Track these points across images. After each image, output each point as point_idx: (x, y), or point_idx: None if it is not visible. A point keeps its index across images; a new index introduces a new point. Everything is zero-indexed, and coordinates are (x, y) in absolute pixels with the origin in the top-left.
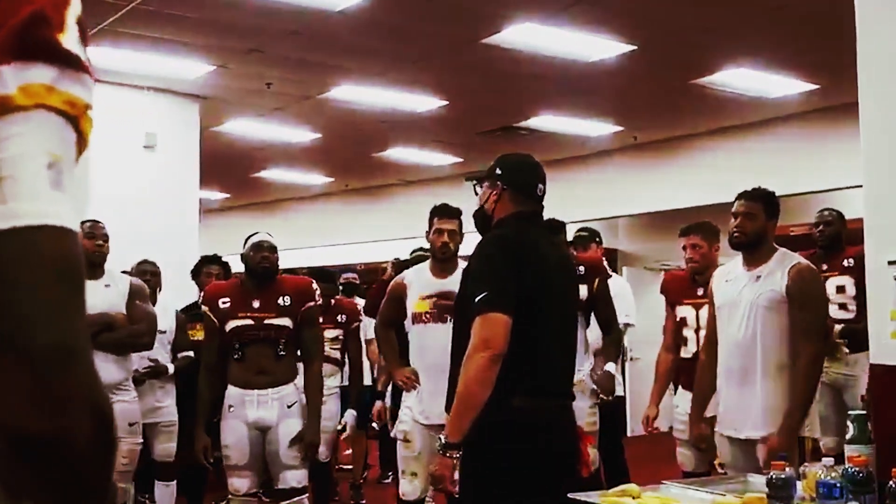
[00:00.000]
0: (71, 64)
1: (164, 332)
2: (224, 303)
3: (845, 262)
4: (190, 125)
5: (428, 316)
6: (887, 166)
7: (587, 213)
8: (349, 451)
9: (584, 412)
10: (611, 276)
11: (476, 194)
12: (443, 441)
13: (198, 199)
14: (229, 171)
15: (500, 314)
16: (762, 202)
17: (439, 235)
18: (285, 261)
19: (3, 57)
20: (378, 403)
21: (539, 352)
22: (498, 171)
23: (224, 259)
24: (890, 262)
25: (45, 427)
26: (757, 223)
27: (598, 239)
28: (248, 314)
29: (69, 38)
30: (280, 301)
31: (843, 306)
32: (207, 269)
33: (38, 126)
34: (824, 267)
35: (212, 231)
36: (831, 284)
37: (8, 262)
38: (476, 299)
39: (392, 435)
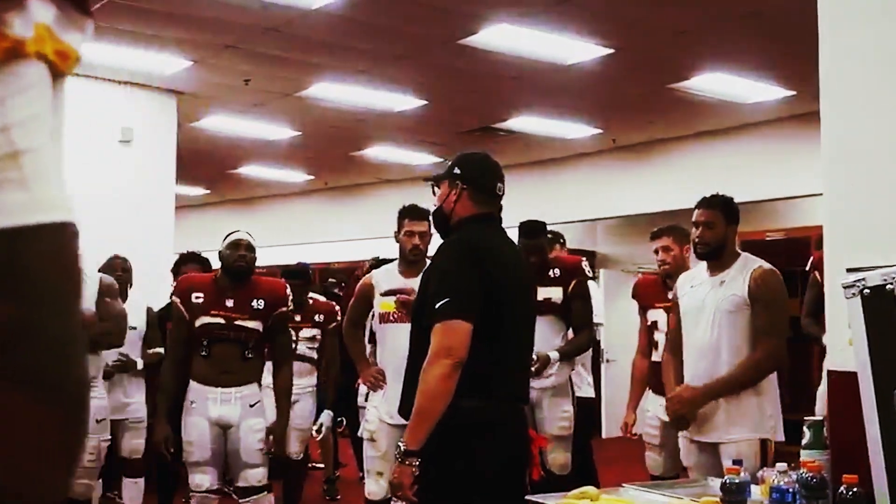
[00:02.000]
0: (75, 2)
1: (135, 328)
2: (197, 297)
3: None
4: (167, 120)
5: (394, 315)
6: (846, 173)
7: (566, 214)
8: (320, 451)
9: (557, 415)
10: (590, 277)
11: (434, 194)
12: (401, 448)
13: (173, 195)
14: (207, 167)
15: (461, 321)
16: (721, 209)
17: (410, 237)
18: (263, 258)
19: None
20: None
21: (492, 354)
22: (457, 171)
23: (204, 256)
24: (848, 270)
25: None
26: (717, 231)
27: (561, 241)
28: (220, 312)
29: None
30: (253, 304)
31: None
32: (187, 266)
33: (40, 82)
34: None
35: (189, 227)
36: None
37: (36, 270)
38: (437, 305)
39: (359, 434)
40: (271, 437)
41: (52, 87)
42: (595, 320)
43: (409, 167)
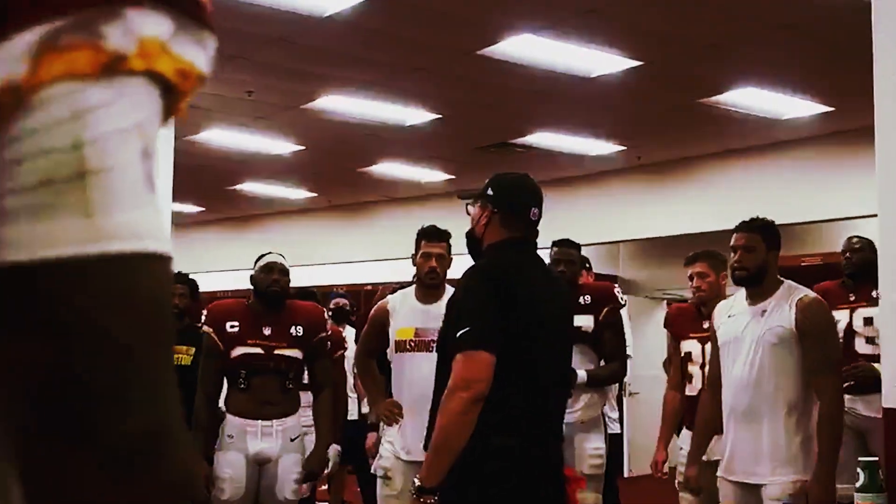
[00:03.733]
0: (194, 14)
1: None
2: (232, 326)
3: (874, 293)
4: (163, 133)
5: (412, 344)
6: None
7: (586, 236)
8: (325, 487)
9: (588, 452)
10: (623, 304)
11: (468, 213)
12: (417, 484)
13: (170, 213)
14: (205, 184)
15: (483, 352)
16: (761, 233)
17: (426, 260)
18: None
19: None
20: (372, 435)
21: (524, 389)
22: (490, 192)
23: (191, 277)
24: None
25: None
26: (758, 256)
27: (587, 265)
28: (258, 342)
29: None
30: (292, 331)
31: (870, 340)
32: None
33: (138, 97)
34: (851, 297)
35: (186, 246)
36: (859, 316)
37: (87, 309)
38: (458, 334)
39: (372, 471)
40: (305, 484)
41: (163, 106)
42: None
43: (420, 185)
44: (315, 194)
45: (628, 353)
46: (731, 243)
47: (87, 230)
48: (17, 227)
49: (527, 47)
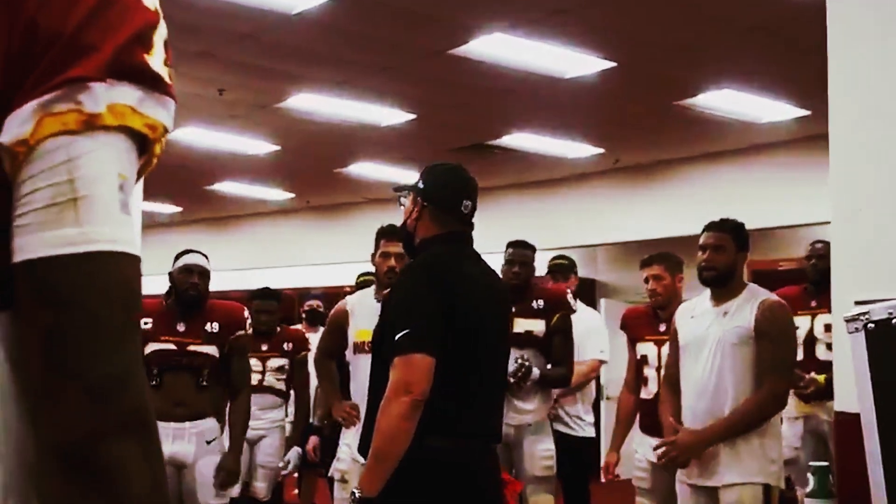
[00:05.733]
0: (156, 86)
1: None
2: (145, 323)
3: None
4: None
5: (369, 345)
6: (856, 201)
7: (564, 240)
8: (296, 491)
9: (539, 454)
10: (574, 310)
11: (401, 206)
12: (356, 495)
13: (140, 213)
14: (180, 183)
15: (422, 355)
16: (731, 233)
17: (385, 259)
18: (238, 283)
19: (99, 74)
20: (313, 439)
21: (461, 389)
22: (420, 184)
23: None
24: (857, 303)
25: (98, 447)
26: (727, 256)
27: (575, 271)
28: (171, 338)
29: (156, 60)
30: (207, 327)
31: (830, 346)
32: None
33: (115, 146)
34: (813, 303)
35: (161, 247)
36: (820, 322)
37: (78, 287)
38: (396, 337)
39: (329, 474)
40: (221, 475)
41: (134, 151)
42: (601, 357)
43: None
44: (292, 195)
45: (606, 358)
46: (701, 242)
47: (78, 236)
48: (29, 236)
49: (499, 47)
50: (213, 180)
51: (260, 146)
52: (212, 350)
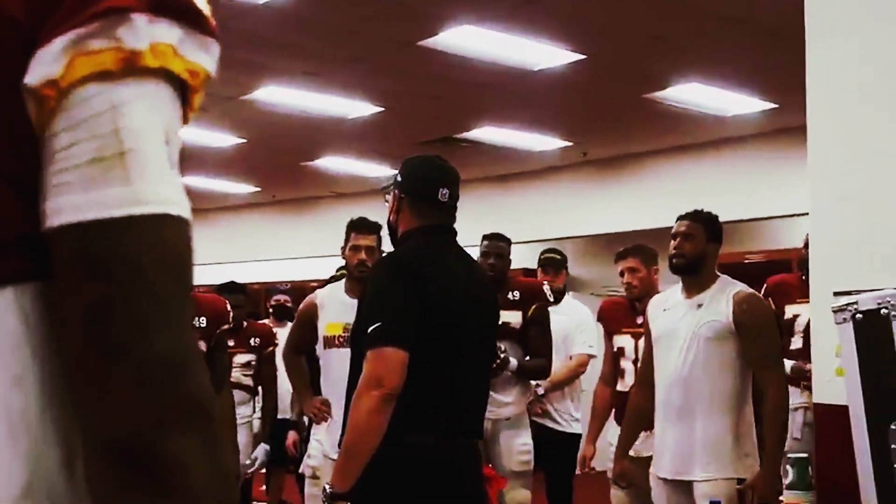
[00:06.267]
0: (199, 25)
1: None
2: None
3: None
4: None
5: (341, 339)
6: (835, 193)
7: (532, 233)
8: (263, 487)
9: (516, 448)
10: (551, 302)
11: (386, 202)
12: (328, 490)
13: None
14: None
15: (394, 348)
16: (703, 224)
17: (355, 252)
18: (205, 277)
19: (140, 4)
20: (292, 434)
21: (440, 385)
22: (398, 178)
23: None
24: (836, 293)
25: (154, 440)
26: (697, 244)
27: (566, 263)
28: None
29: None
30: (196, 322)
31: None
32: None
33: (159, 93)
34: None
35: None
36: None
37: (127, 255)
38: (369, 330)
39: (300, 470)
40: None
41: (177, 100)
42: (590, 351)
43: (364, 180)
44: (258, 189)
45: (595, 353)
46: (672, 231)
47: (129, 196)
48: (71, 196)
49: (467, 39)
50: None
51: (225, 139)
52: (200, 346)
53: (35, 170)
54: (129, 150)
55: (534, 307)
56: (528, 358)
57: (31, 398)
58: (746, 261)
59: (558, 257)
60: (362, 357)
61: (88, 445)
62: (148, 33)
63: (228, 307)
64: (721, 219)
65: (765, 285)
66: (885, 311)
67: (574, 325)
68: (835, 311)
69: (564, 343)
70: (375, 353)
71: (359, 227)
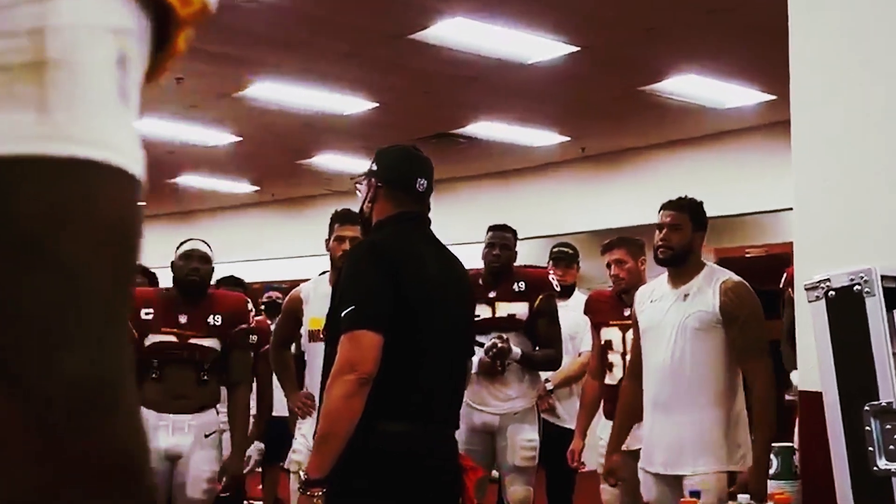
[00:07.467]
0: None
1: None
2: (147, 313)
3: None
4: None
5: (324, 333)
6: (817, 186)
7: (530, 229)
8: (261, 487)
9: (520, 444)
10: (558, 292)
11: (358, 192)
12: (303, 477)
13: None
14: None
15: (368, 332)
16: (688, 212)
17: (339, 243)
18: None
19: None
20: None
21: (413, 372)
22: (373, 167)
23: (152, 270)
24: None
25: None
26: (683, 234)
27: (578, 258)
28: (173, 330)
29: None
30: (210, 320)
31: None
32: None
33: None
34: None
35: None
36: None
37: (33, 216)
38: (342, 314)
39: (285, 466)
40: (224, 478)
41: (148, 21)
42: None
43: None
44: (258, 188)
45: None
46: (658, 221)
47: (39, 127)
48: None
49: (460, 31)
50: (174, 174)
51: (220, 137)
52: (214, 344)
53: None
54: (52, 63)
55: (540, 297)
56: (536, 349)
57: None
58: (747, 254)
59: (570, 251)
60: (337, 343)
61: None
62: None
63: (249, 306)
64: (720, 213)
65: (784, 275)
66: (858, 287)
67: (583, 323)
68: (807, 289)
69: (573, 341)
70: (349, 337)
71: (343, 218)
